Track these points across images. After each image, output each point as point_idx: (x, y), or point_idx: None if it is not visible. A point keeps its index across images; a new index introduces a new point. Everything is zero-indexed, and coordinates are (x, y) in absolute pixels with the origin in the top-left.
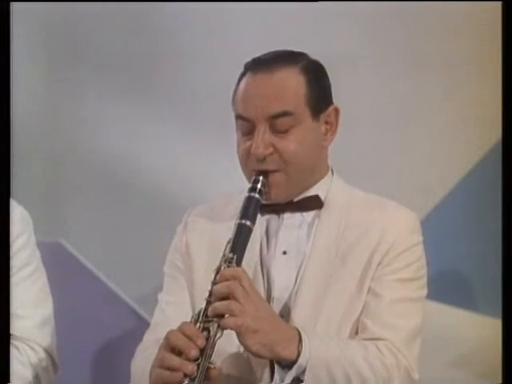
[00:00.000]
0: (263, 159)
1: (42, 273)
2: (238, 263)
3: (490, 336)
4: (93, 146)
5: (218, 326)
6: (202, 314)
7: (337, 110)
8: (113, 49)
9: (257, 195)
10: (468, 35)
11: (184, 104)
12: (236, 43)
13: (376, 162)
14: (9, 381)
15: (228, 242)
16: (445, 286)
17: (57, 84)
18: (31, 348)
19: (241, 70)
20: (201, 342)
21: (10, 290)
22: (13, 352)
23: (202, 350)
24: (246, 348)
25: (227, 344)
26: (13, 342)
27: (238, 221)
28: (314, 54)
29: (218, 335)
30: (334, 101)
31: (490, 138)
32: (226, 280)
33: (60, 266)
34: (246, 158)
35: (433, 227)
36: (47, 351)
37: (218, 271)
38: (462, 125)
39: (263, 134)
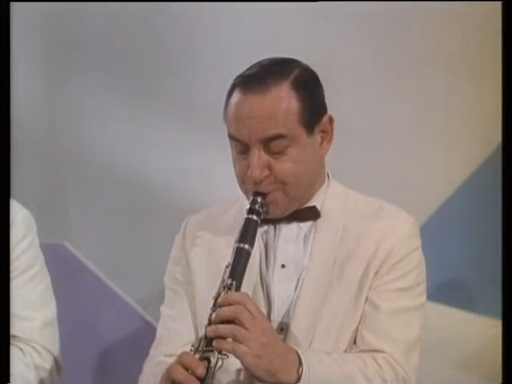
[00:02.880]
0: (260, 182)
1: (45, 275)
2: (237, 289)
3: (491, 337)
4: (96, 147)
5: (219, 353)
6: (202, 341)
7: (331, 119)
8: (113, 49)
9: (255, 217)
10: (468, 35)
11: (185, 105)
12: (237, 44)
13: (377, 165)
14: (9, 381)
15: (227, 267)
16: (445, 288)
17: (57, 84)
18: (35, 350)
19: (240, 68)
20: (201, 371)
21: (11, 291)
22: (17, 354)
23: (203, 380)
24: (250, 373)
25: (230, 361)
26: (17, 343)
27: (236, 244)
28: (313, 54)
29: (219, 364)
30: (333, 102)
31: (492, 141)
32: (230, 304)
33: (63, 267)
34: (243, 177)
35: (434, 229)
36: (51, 353)
37: (217, 297)
38: (463, 127)
39: (258, 156)
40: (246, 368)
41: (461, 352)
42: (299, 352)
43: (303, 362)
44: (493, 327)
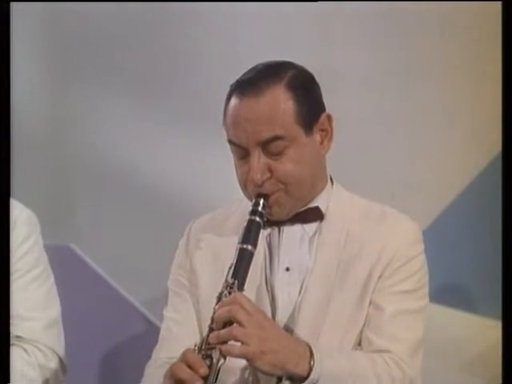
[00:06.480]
0: (261, 184)
1: (49, 275)
2: (240, 289)
3: (492, 339)
4: (101, 148)
5: (221, 352)
6: (205, 341)
7: (329, 117)
8: (113, 49)
9: (258, 218)
10: (468, 35)
11: (187, 105)
12: (237, 44)
13: (379, 170)
14: (9, 381)
15: (230, 267)
16: (447, 290)
17: (57, 84)
18: (39, 349)
19: (242, 70)
20: (203, 371)
21: (11, 292)
22: (21, 354)
23: (206, 378)
24: (258, 370)
25: (234, 359)
26: (21, 344)
27: (239, 245)
28: (313, 55)
29: (221, 362)
30: (332, 103)
31: (493, 147)
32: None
33: (69, 269)
34: (245, 181)
35: (437, 234)
36: (56, 353)
37: (219, 297)
38: (464, 133)
39: (258, 159)
40: (253, 366)
41: (462, 353)
42: (310, 344)
43: (314, 353)
44: (493, 329)
